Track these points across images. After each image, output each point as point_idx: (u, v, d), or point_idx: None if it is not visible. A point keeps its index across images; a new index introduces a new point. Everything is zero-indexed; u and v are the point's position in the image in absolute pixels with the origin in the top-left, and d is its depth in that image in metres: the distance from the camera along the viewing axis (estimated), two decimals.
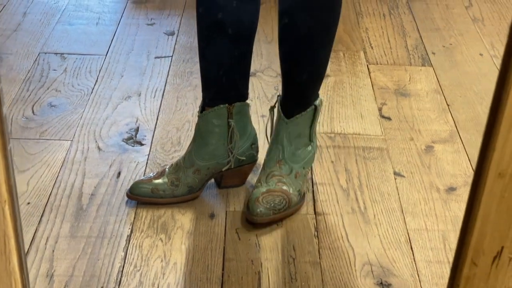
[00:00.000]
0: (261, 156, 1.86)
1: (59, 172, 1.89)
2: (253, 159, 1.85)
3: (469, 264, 0.90)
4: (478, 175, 0.85)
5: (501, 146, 0.82)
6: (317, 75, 1.75)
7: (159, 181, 1.78)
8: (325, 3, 1.65)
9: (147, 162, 1.93)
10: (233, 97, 1.74)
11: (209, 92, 1.74)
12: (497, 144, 0.82)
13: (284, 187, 1.77)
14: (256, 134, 1.85)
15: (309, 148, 1.82)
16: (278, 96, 1.80)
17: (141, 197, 1.78)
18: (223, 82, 1.71)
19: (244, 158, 1.82)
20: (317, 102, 1.78)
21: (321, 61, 1.73)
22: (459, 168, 1.99)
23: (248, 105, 1.78)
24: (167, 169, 1.81)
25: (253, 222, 1.74)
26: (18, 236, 0.93)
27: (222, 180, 1.85)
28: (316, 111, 1.78)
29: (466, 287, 0.92)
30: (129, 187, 1.80)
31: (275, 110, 1.82)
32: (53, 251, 1.65)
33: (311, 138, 1.82)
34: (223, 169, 1.81)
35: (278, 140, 1.79)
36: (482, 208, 0.86)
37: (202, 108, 1.75)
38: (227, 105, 1.73)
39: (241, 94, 1.76)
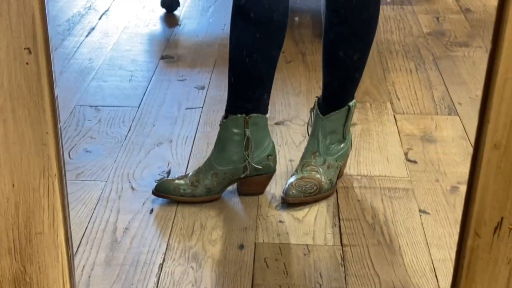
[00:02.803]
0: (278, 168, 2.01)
1: (94, 209, 2.05)
2: (269, 170, 2.11)
3: (472, 236, 1.04)
4: (476, 149, 0.99)
5: (495, 119, 0.96)
6: (353, 78, 2.09)
7: (181, 181, 2.07)
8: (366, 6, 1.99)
9: (178, 201, 2.08)
10: (251, 107, 2.01)
11: (232, 91, 2.01)
12: (491, 117, 0.96)
13: (317, 176, 2.10)
14: (274, 147, 2.10)
15: (342, 145, 2.15)
16: (316, 97, 2.16)
17: (163, 193, 2.06)
18: (247, 64, 1.94)
19: (261, 168, 2.07)
20: (351, 103, 2.11)
21: (357, 63, 2.06)
22: None
23: (265, 118, 2.05)
24: (190, 173, 2.08)
25: (286, 202, 2.07)
26: (66, 211, 1.08)
27: (241, 187, 2.11)
28: (349, 110, 2.11)
29: (471, 258, 1.05)
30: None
31: (314, 112, 2.14)
32: (89, 277, 1.79)
33: (344, 135, 2.14)
34: (241, 176, 2.07)
35: (315, 134, 2.14)
36: (481, 179, 1.00)
37: (225, 116, 2.03)
38: (244, 115, 2.00)
39: (260, 106, 2.02)
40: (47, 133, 1.01)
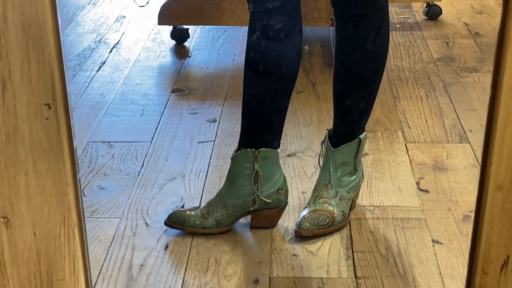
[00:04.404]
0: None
1: (110, 247, 2.10)
2: (280, 204, 2.16)
3: (480, 273, 1.09)
4: (481, 189, 1.05)
5: (497, 161, 1.01)
6: (360, 121, 2.17)
7: (192, 213, 2.14)
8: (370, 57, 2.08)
9: (193, 236, 2.13)
10: (261, 142, 2.08)
11: (244, 127, 2.08)
12: (494, 159, 1.01)
13: (330, 208, 2.16)
14: (285, 181, 2.15)
15: (354, 176, 2.21)
16: (327, 130, 2.22)
17: (174, 224, 2.14)
18: (257, 112, 2.03)
19: (270, 201, 2.13)
20: (361, 136, 2.19)
21: (364, 110, 2.16)
22: None
23: (275, 153, 2.11)
24: (201, 205, 2.16)
25: (300, 235, 2.12)
26: (86, 259, 1.14)
27: (252, 220, 2.17)
28: (360, 143, 2.18)
29: None
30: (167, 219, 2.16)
31: (324, 144, 2.21)
32: None
33: (355, 167, 2.21)
34: (251, 209, 2.13)
35: (326, 166, 2.20)
36: (486, 219, 1.05)
37: (237, 150, 2.11)
38: (253, 149, 2.07)
39: (270, 140, 2.09)
40: (67, 184, 1.06)
